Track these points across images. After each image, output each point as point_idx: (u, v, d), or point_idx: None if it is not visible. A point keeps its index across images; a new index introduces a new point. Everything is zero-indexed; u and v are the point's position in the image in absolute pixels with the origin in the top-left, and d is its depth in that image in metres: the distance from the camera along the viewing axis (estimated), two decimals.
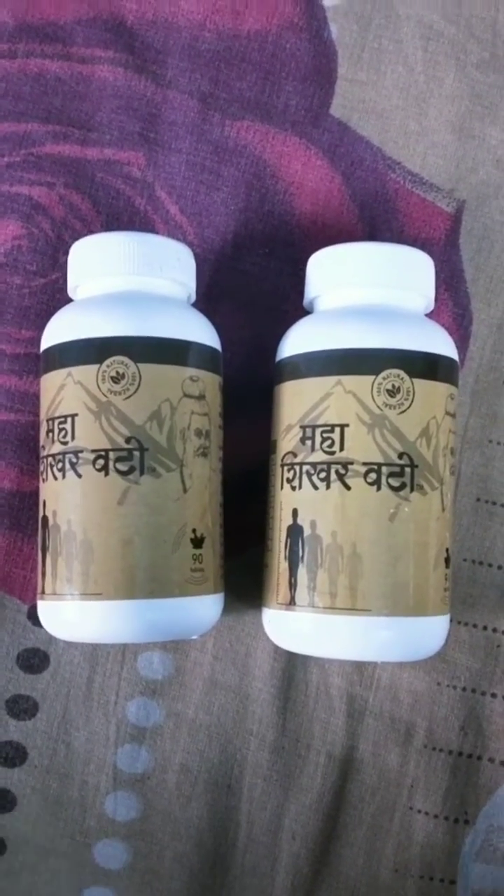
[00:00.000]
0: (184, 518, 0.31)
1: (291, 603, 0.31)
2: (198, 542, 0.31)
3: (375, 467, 0.30)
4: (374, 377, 0.30)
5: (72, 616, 0.31)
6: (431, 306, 0.34)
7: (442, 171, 0.38)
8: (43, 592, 0.32)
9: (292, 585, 0.31)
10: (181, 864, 0.36)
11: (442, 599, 0.32)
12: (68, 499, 0.30)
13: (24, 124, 0.37)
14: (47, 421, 0.31)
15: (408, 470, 0.31)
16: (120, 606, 0.30)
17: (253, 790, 0.36)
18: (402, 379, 0.31)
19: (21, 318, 0.36)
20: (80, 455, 0.30)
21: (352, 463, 0.30)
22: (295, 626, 0.31)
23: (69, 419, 0.30)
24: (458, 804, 0.36)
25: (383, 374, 0.30)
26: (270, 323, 0.35)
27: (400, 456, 0.30)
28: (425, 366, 0.31)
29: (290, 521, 0.31)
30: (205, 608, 0.32)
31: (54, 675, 0.36)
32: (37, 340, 0.34)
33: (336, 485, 0.30)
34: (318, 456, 0.31)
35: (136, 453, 0.30)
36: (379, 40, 0.38)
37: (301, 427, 0.31)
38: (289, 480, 0.32)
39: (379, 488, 0.30)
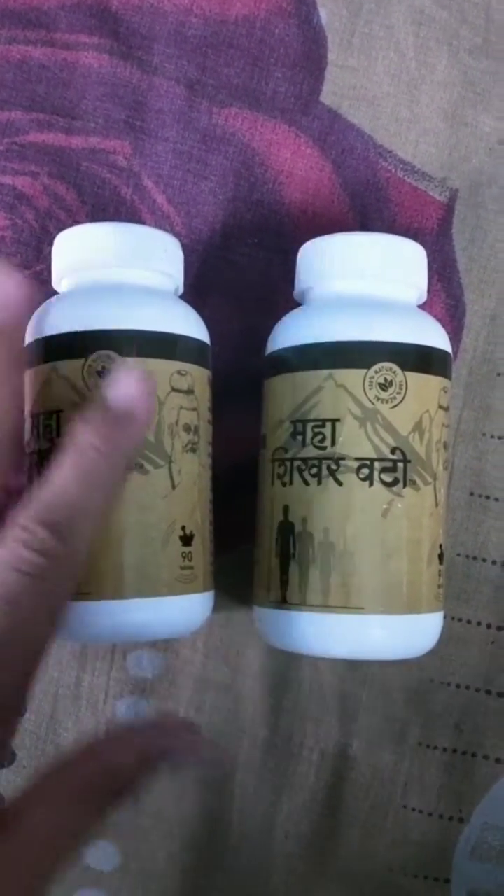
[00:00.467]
0: (172, 515, 0.30)
1: (283, 601, 0.31)
2: (187, 540, 0.30)
3: (368, 463, 0.30)
4: (365, 371, 0.30)
5: None
6: (424, 297, 0.33)
7: (434, 159, 0.37)
8: None
9: (284, 583, 0.31)
10: (173, 864, 0.36)
11: (436, 596, 0.31)
12: None
13: (6, 112, 0.36)
14: (31, 416, 0.31)
15: (400, 465, 0.30)
16: (108, 606, 0.29)
17: (246, 789, 0.36)
18: (394, 372, 0.30)
19: None
20: None
21: (344, 458, 0.30)
22: (287, 625, 0.31)
23: (54, 415, 0.30)
24: (453, 802, 0.36)
25: (375, 367, 0.30)
26: (260, 315, 0.35)
27: (392, 451, 0.30)
28: (418, 359, 0.30)
29: (281, 518, 0.31)
30: (194, 607, 0.31)
31: (42, 674, 0.36)
32: None
33: (328, 481, 0.30)
34: (310, 451, 0.30)
35: None
36: (370, 26, 0.37)
37: (292, 422, 0.31)
38: (279, 476, 0.31)
39: (371, 484, 0.30)
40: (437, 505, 0.31)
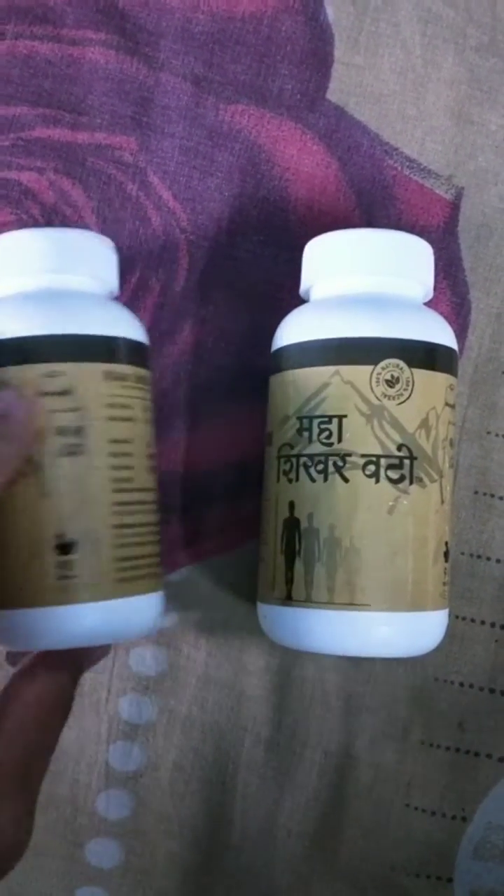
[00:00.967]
0: (43, 524, 0.29)
1: (288, 598, 0.30)
2: (64, 549, 0.29)
3: (374, 459, 0.30)
4: (372, 367, 0.30)
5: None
6: (430, 295, 0.33)
7: (440, 156, 0.37)
8: None
9: (289, 580, 0.30)
10: (175, 862, 0.36)
11: (441, 594, 0.31)
12: None
13: (13, 108, 0.36)
14: None
15: (407, 462, 0.30)
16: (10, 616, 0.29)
17: (248, 787, 0.36)
18: (401, 369, 0.30)
19: None
20: None
21: (350, 455, 0.30)
22: (292, 622, 0.31)
23: None
24: (456, 801, 0.36)
25: (382, 364, 0.30)
26: (266, 311, 0.35)
27: (399, 448, 0.30)
28: (424, 355, 0.30)
29: (287, 515, 0.31)
30: (74, 616, 0.29)
31: None
32: None
33: (334, 477, 0.30)
34: (316, 448, 0.30)
35: None
36: (376, 23, 0.37)
37: (298, 418, 0.31)
38: (285, 473, 0.31)
39: (377, 481, 0.30)
40: (443, 502, 0.31)
